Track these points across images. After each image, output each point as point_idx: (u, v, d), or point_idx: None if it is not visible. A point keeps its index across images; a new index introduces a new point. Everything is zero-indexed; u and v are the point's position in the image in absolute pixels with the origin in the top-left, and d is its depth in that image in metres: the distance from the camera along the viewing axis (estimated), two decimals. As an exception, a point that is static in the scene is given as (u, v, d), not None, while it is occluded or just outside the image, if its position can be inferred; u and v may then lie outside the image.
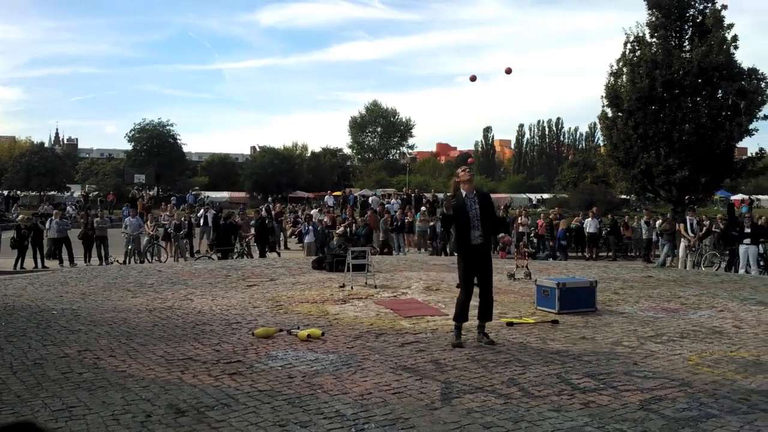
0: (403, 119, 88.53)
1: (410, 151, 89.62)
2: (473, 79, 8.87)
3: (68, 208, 34.43)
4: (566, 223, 21.91)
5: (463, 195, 6.99)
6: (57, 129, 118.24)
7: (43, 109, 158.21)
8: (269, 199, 47.30)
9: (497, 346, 6.72)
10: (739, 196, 49.71)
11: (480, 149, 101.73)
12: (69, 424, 4.38)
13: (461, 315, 6.91)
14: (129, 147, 57.28)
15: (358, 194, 38.58)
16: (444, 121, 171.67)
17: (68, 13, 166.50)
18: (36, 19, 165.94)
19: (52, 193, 52.82)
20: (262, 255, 19.14)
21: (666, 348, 6.74)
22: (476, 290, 6.96)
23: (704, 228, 18.17)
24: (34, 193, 53.30)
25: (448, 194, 7.41)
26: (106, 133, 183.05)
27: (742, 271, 15.39)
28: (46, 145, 75.52)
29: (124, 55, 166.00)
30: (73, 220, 25.26)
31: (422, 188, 41.36)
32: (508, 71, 8.97)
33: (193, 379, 5.46)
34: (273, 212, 25.89)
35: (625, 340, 7.16)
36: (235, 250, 19.08)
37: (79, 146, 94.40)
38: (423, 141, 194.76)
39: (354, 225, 21.36)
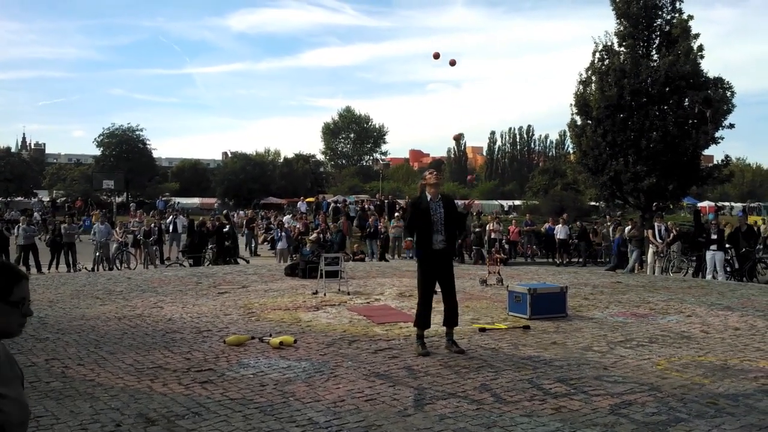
0: (376, 126, 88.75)
1: (383, 157, 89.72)
2: (436, 56, 8.92)
3: (35, 214, 33.78)
4: (621, 230, 19.56)
5: (428, 198, 6.88)
6: (24, 133, 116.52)
7: (9, 113, 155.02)
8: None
9: (469, 352, 6.74)
10: (705, 203, 50.72)
11: (452, 156, 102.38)
12: (35, 435, 4.29)
13: (422, 322, 6.80)
14: (98, 152, 56.41)
15: (331, 200, 38.49)
16: (417, 127, 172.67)
17: (33, 15, 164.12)
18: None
19: (19, 198, 51.84)
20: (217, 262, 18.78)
21: (635, 353, 6.83)
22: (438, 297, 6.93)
23: (672, 234, 18.47)
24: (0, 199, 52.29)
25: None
26: (74, 138, 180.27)
27: (709, 276, 15.66)
28: (13, 149, 74.15)
29: (92, 58, 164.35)
30: (40, 226, 24.80)
31: (395, 194, 41.47)
32: (452, 63, 9.08)
33: (163, 388, 5.39)
34: (233, 219, 25.70)
35: (596, 345, 7.23)
36: (205, 257, 18.90)
37: (47, 151, 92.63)
38: (396, 147, 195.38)
39: (327, 231, 21.31)
